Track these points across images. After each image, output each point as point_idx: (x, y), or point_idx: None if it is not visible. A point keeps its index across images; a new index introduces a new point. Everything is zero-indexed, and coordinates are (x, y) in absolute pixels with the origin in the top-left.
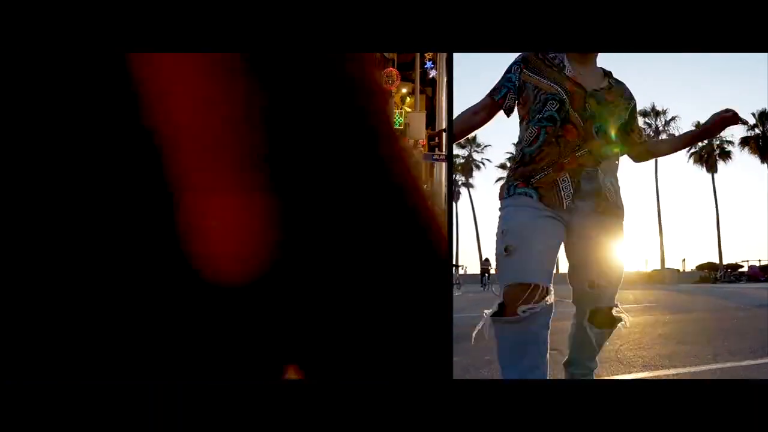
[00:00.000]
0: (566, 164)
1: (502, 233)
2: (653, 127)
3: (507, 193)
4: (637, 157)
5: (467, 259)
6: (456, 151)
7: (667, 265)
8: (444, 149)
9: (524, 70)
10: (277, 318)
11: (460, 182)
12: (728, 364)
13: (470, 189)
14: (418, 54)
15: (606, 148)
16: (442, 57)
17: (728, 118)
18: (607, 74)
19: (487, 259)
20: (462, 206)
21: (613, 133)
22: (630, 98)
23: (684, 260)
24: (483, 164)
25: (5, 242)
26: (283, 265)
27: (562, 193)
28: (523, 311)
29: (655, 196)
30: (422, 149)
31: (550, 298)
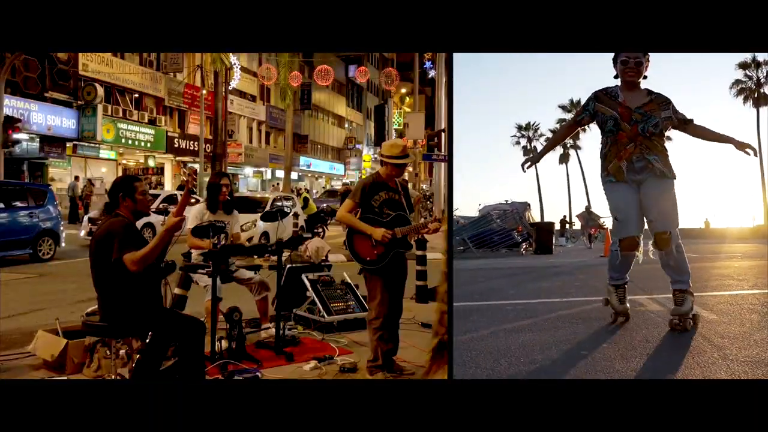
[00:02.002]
0: (622, 155)
1: (611, 209)
2: (754, 79)
3: (602, 181)
4: (692, 135)
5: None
6: (562, 115)
7: None
8: (444, 149)
9: (597, 104)
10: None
11: (568, 144)
12: (763, 291)
13: (578, 151)
14: (417, 54)
15: (650, 141)
16: (442, 57)
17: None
18: (649, 93)
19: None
20: (572, 167)
21: (659, 128)
22: (666, 102)
23: None
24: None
25: None
26: None
27: (623, 170)
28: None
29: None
30: (421, 149)
31: (641, 243)
